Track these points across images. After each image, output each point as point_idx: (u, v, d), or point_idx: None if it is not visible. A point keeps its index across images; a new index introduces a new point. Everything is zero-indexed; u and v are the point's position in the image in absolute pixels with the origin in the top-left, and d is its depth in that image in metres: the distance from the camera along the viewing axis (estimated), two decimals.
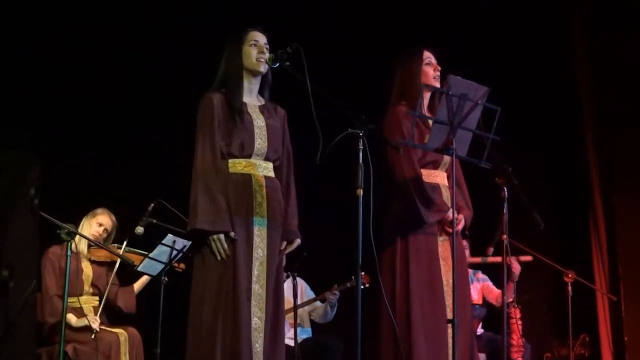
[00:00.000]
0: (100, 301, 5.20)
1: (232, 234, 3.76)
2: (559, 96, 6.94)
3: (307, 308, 6.07)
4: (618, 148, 6.69)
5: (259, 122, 3.92)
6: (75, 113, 6.07)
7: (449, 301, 4.19)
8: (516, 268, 5.77)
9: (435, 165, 4.33)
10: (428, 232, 4.26)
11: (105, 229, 5.25)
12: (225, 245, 3.74)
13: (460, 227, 4.28)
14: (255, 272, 3.80)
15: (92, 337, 4.81)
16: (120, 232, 5.27)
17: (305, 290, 6.12)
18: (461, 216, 4.28)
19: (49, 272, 5.01)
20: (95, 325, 4.96)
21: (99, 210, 5.27)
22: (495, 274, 6.14)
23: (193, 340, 3.76)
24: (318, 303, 6.10)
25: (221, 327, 3.69)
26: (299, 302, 5.73)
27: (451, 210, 4.12)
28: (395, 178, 4.23)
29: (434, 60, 4.37)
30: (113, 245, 5.26)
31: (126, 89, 6.17)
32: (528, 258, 5.85)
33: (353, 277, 3.59)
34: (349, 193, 3.53)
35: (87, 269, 5.20)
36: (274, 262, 3.87)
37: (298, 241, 4.01)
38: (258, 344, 3.75)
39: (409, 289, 4.19)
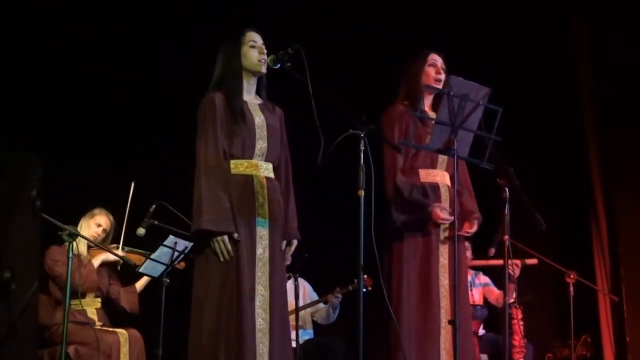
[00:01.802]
0: (102, 303, 5.21)
1: (235, 235, 3.76)
2: (560, 96, 6.94)
3: (309, 310, 6.08)
4: (619, 148, 6.68)
5: (259, 121, 3.92)
6: (76, 114, 6.06)
7: (444, 303, 4.19)
8: (512, 271, 5.79)
9: (432, 164, 4.32)
10: (428, 234, 4.25)
11: (104, 230, 5.26)
12: (229, 247, 3.74)
13: (472, 230, 4.29)
14: (258, 273, 3.80)
15: (95, 337, 4.80)
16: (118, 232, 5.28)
17: (308, 292, 6.12)
18: (475, 222, 4.30)
19: (62, 269, 4.97)
20: (119, 252, 5.10)
21: (96, 211, 5.27)
22: (496, 274, 6.16)
23: (195, 340, 3.76)
24: (320, 305, 6.10)
25: (224, 327, 3.69)
26: (302, 303, 5.74)
27: (436, 204, 4.18)
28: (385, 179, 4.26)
29: (439, 63, 4.37)
30: (112, 245, 5.26)
31: (127, 90, 6.16)
32: (533, 261, 5.84)
33: (355, 280, 3.58)
34: (350, 194, 3.53)
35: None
36: (276, 262, 3.87)
37: (296, 242, 4.01)
38: (263, 344, 3.74)
39: (401, 290, 4.19)
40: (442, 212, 4.23)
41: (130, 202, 5.09)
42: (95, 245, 5.12)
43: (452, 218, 4.20)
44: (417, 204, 4.23)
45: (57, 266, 4.99)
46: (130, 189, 5.11)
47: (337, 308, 6.03)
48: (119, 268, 5.31)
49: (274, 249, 3.87)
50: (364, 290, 3.62)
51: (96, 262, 5.15)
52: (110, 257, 5.17)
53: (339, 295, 5.93)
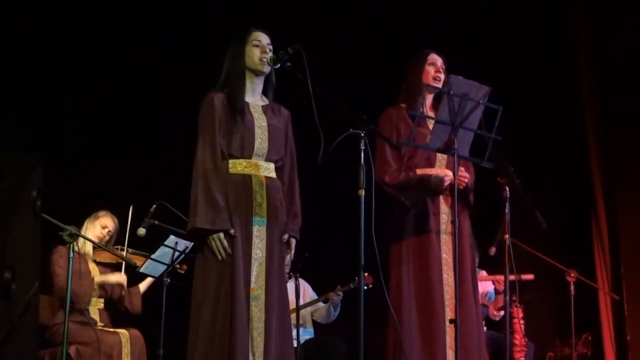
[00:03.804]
0: (105, 303, 5.22)
1: (232, 231, 3.76)
2: (561, 95, 6.94)
3: (309, 309, 6.08)
4: (620, 147, 6.68)
5: (261, 122, 3.92)
6: (76, 114, 6.07)
7: (448, 300, 4.18)
8: (499, 287, 5.86)
9: (430, 163, 4.32)
10: (427, 231, 4.24)
11: (109, 231, 5.27)
12: (226, 244, 3.75)
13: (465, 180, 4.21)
14: (254, 273, 3.80)
15: (96, 337, 4.80)
16: (121, 234, 5.29)
17: (308, 291, 6.12)
18: (462, 169, 4.18)
19: (62, 267, 4.98)
20: (124, 279, 5.15)
21: (101, 213, 5.28)
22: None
23: (193, 339, 3.76)
24: (321, 304, 6.10)
25: (220, 327, 3.70)
26: (302, 302, 5.73)
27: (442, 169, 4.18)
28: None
29: (439, 63, 4.37)
30: (115, 247, 5.27)
31: (128, 90, 6.16)
32: (529, 277, 5.85)
33: (356, 278, 3.58)
34: (350, 193, 3.54)
35: (94, 270, 5.22)
36: (274, 262, 3.87)
37: (294, 241, 4.02)
38: (257, 343, 3.75)
39: (401, 289, 4.19)
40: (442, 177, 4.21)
41: (131, 218, 5.08)
42: (98, 247, 5.12)
43: (450, 175, 4.16)
44: (415, 180, 4.22)
45: (57, 266, 4.99)
46: (129, 212, 5.10)
47: (338, 307, 6.03)
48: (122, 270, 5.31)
49: (272, 248, 3.86)
50: (365, 287, 3.63)
51: (99, 279, 5.14)
52: (114, 279, 5.19)
53: (340, 294, 5.93)
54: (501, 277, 5.77)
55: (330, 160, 3.50)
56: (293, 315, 5.52)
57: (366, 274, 5.15)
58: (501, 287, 5.88)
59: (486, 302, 6.19)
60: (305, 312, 6.02)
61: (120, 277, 5.22)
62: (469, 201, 4.39)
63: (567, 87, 6.94)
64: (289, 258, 4.05)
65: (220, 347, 3.67)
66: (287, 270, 5.40)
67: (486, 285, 6.26)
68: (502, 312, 5.96)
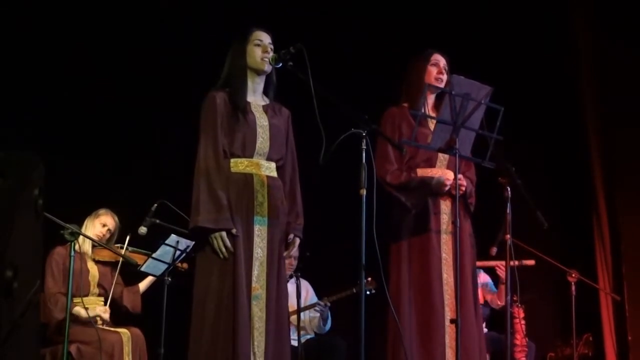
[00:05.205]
0: (105, 302, 5.21)
1: (234, 230, 3.76)
2: (562, 95, 6.94)
3: (308, 315, 6.00)
4: (621, 147, 6.67)
5: (262, 122, 3.93)
6: (77, 114, 6.07)
7: (448, 300, 4.18)
8: (501, 272, 5.83)
9: (430, 163, 4.31)
10: (427, 230, 4.24)
11: (109, 229, 5.27)
12: (228, 243, 3.75)
13: (462, 187, 4.22)
14: (255, 272, 3.80)
15: (97, 336, 4.80)
16: (123, 233, 5.28)
17: (309, 293, 6.09)
18: (460, 176, 4.17)
19: (52, 272, 5.01)
20: (107, 315, 5.05)
21: (101, 211, 5.28)
22: (491, 275, 6.18)
23: (195, 338, 3.77)
24: (315, 312, 6.03)
25: (223, 325, 3.70)
26: (303, 303, 5.71)
27: (447, 172, 4.17)
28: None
29: (442, 63, 4.36)
30: (116, 245, 5.27)
31: (129, 89, 6.16)
32: (531, 262, 5.84)
33: (358, 282, 3.56)
34: (352, 193, 3.53)
35: (93, 269, 5.22)
36: (274, 261, 3.87)
37: (298, 240, 4.02)
38: (259, 343, 3.75)
39: (401, 289, 4.19)
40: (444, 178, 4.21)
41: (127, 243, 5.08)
42: (98, 245, 5.12)
43: (451, 177, 4.15)
44: (416, 181, 4.22)
45: (48, 278, 4.99)
46: (125, 241, 5.11)
47: (328, 318, 5.95)
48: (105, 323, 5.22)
49: (272, 247, 3.87)
50: (367, 292, 3.62)
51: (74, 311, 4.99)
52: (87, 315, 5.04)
53: (328, 304, 5.87)
54: (501, 262, 5.72)
55: (331, 160, 3.49)
56: (293, 317, 5.51)
57: (369, 278, 5.13)
58: (502, 273, 5.83)
59: (487, 291, 6.18)
60: (305, 319, 5.96)
61: (97, 311, 5.07)
62: (469, 204, 4.39)
63: (567, 87, 6.93)
64: (293, 258, 4.04)
65: (223, 347, 3.67)
66: (291, 270, 5.39)
67: (481, 277, 6.24)
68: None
